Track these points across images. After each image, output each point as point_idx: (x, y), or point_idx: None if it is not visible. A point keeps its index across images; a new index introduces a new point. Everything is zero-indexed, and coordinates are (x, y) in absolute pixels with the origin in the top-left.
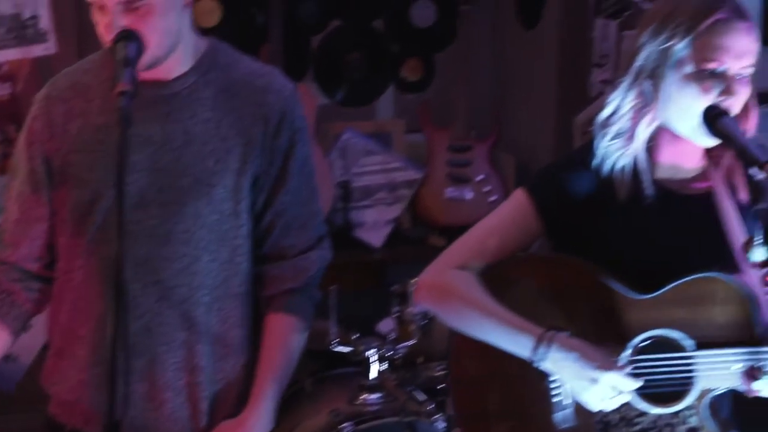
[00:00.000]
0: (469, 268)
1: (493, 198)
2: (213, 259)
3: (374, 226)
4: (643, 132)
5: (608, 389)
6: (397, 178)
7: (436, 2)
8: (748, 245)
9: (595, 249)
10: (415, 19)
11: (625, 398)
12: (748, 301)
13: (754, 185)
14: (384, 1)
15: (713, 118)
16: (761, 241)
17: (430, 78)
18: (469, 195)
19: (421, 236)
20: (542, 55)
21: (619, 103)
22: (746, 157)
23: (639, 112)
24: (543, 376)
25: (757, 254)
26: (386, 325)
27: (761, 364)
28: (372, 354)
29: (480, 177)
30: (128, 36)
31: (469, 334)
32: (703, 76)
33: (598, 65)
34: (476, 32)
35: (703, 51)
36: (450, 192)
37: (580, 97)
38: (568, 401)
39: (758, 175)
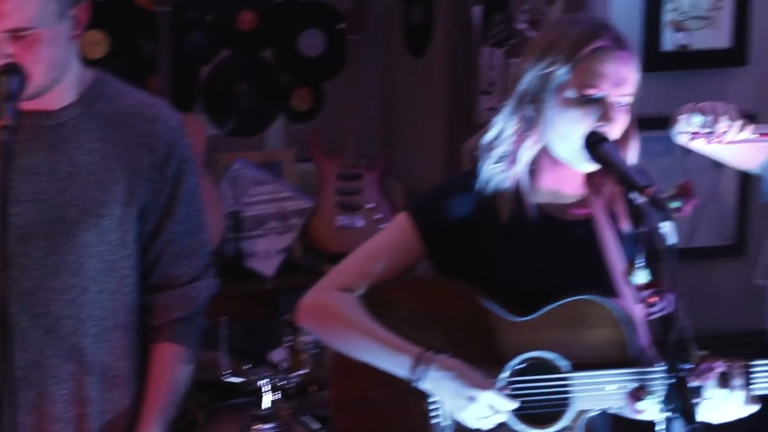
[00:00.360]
0: (351, 291)
1: (383, 225)
2: (101, 290)
3: (265, 255)
4: (526, 155)
5: (485, 408)
6: (288, 207)
7: (325, 32)
8: (630, 268)
9: (476, 272)
10: (303, 49)
11: (502, 418)
12: (623, 323)
13: (634, 210)
14: (272, 31)
15: (594, 143)
16: (642, 264)
17: (319, 107)
18: (359, 223)
19: (313, 265)
20: (430, 83)
21: (503, 126)
22: (626, 182)
23: (521, 136)
24: (423, 396)
25: (639, 277)
26: (278, 355)
27: (646, 384)
28: (264, 384)
29: (370, 205)
30: (10, 70)
31: (350, 355)
32: (582, 102)
33: (485, 93)
34: (365, 61)
35: (583, 77)
36: (341, 220)
37: (467, 125)
38: (447, 422)
39: (638, 199)
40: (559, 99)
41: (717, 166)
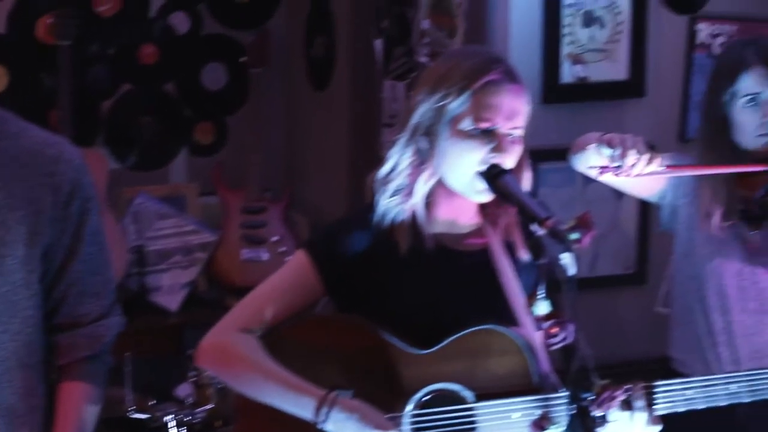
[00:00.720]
0: (251, 331)
1: (288, 258)
2: (4, 331)
3: (170, 290)
4: (422, 188)
5: None
6: (192, 241)
7: (227, 65)
8: (532, 300)
9: (375, 306)
10: (206, 82)
11: None
12: (525, 351)
13: (534, 241)
14: (175, 64)
15: (494, 176)
16: (543, 295)
17: (222, 140)
18: (265, 256)
19: (218, 299)
20: (333, 116)
21: (398, 159)
22: (527, 214)
23: (417, 169)
24: None
25: (540, 308)
26: (184, 390)
27: (550, 413)
28: (170, 420)
29: (275, 238)
30: None
31: (251, 397)
32: (476, 134)
33: (387, 125)
34: (268, 94)
35: (476, 110)
36: (246, 253)
37: (371, 157)
38: None
39: (538, 231)
40: (453, 131)
41: (617, 196)
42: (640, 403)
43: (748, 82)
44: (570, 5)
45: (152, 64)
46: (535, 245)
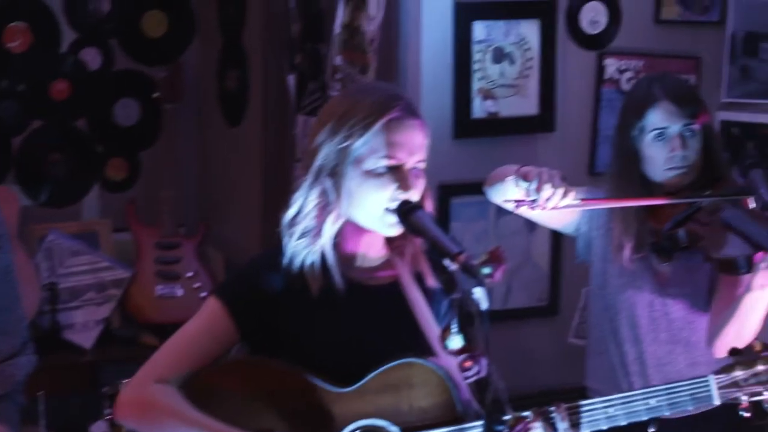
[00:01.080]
0: (169, 381)
1: (203, 294)
2: None
3: (84, 327)
4: (330, 229)
5: None
6: (106, 277)
7: (140, 101)
8: (445, 334)
9: (292, 349)
10: (118, 118)
11: None
12: (447, 381)
13: (447, 276)
14: (86, 100)
15: (406, 213)
16: (456, 329)
17: (135, 176)
18: (179, 292)
19: (133, 335)
20: (247, 152)
21: (303, 202)
22: (439, 249)
23: (323, 210)
24: None
25: (454, 342)
26: (99, 428)
27: None
28: None
29: (189, 273)
30: None
31: None
32: (381, 172)
33: (300, 161)
34: (181, 129)
35: (380, 148)
36: (160, 289)
37: (284, 193)
38: None
39: (451, 266)
40: (358, 171)
41: (530, 229)
42: (563, 424)
43: (655, 117)
44: (480, 41)
45: (63, 99)
46: (447, 280)
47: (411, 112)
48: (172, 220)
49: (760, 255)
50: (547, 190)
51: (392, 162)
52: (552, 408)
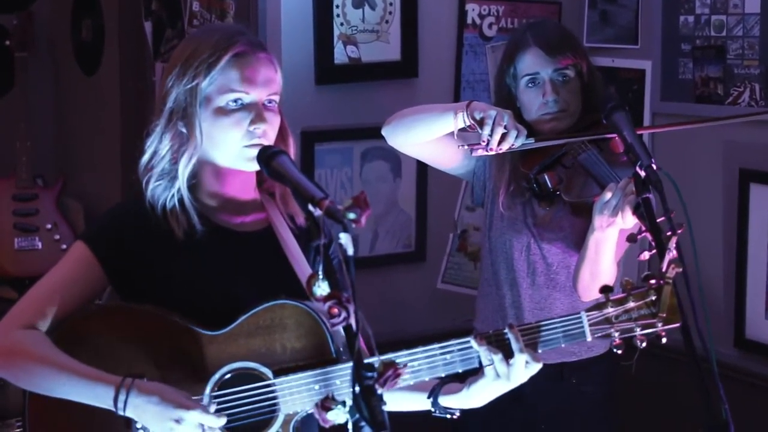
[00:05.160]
0: (36, 327)
1: (64, 246)
2: None
3: None
4: (184, 171)
5: (194, 428)
6: None
7: None
8: (312, 280)
9: (162, 292)
10: None
11: None
12: (320, 322)
13: (311, 221)
14: None
15: (268, 158)
16: (322, 276)
17: None
18: (39, 244)
19: None
20: (105, 101)
21: (157, 146)
22: (302, 194)
23: (177, 152)
24: (129, 424)
25: (321, 289)
26: None
27: (333, 392)
28: None
29: (49, 225)
30: None
31: (45, 393)
32: (233, 108)
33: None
34: (35, 79)
35: (228, 84)
36: (19, 242)
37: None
38: None
39: (315, 211)
40: (209, 111)
41: (396, 175)
42: (517, 345)
43: (524, 63)
44: None
45: None
46: (312, 226)
47: (256, 45)
48: (29, 171)
49: (597, 197)
50: (501, 131)
51: (241, 96)
52: (504, 330)
